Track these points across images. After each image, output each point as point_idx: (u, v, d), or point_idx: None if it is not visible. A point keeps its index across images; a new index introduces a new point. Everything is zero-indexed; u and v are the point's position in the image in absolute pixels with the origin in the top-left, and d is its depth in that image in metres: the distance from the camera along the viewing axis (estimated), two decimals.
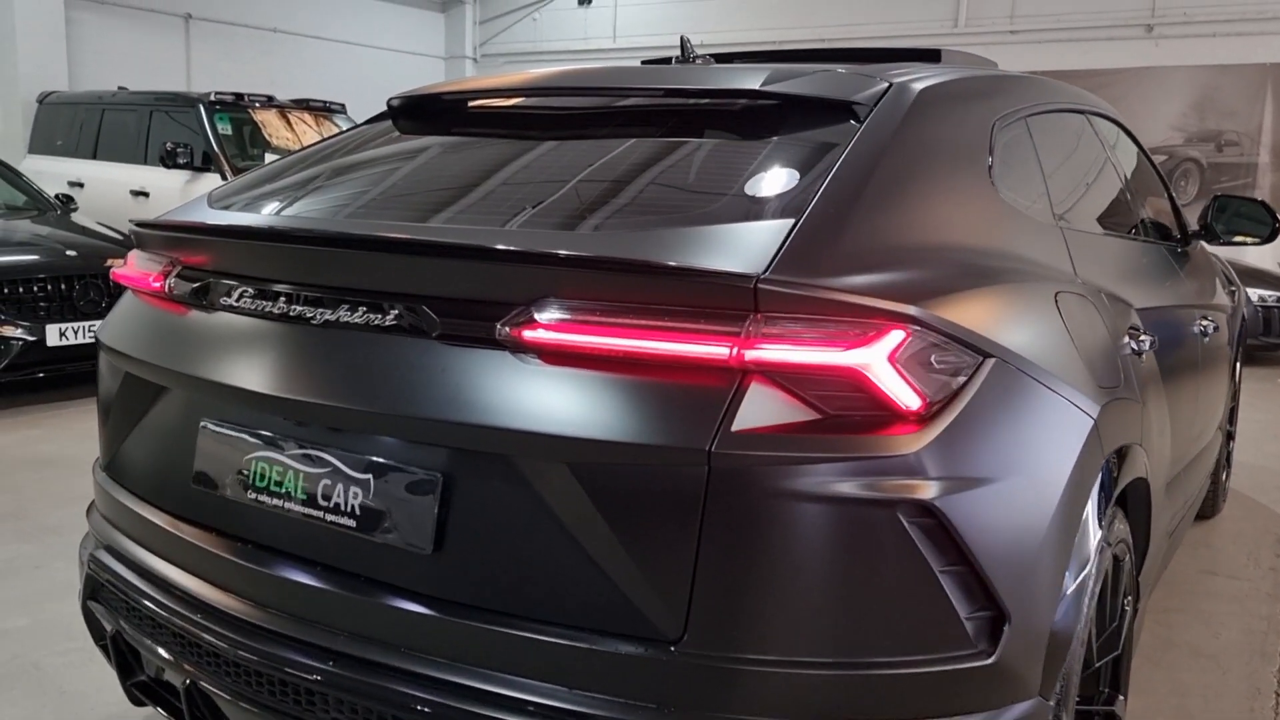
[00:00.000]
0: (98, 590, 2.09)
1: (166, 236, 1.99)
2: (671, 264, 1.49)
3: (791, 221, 1.59)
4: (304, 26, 14.10)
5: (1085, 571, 1.80)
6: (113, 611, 2.04)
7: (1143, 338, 2.32)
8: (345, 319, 1.67)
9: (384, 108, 2.43)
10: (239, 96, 9.15)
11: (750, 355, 1.45)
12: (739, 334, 1.45)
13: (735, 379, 1.46)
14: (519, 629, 1.54)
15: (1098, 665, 2.08)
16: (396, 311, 1.63)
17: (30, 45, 11.09)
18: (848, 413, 1.46)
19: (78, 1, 11.65)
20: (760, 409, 1.45)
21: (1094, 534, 1.85)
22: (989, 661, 1.53)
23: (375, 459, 1.67)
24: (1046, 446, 1.70)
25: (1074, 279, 2.11)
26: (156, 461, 2.01)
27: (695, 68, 2.37)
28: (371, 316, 1.65)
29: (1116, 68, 11.85)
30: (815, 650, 1.45)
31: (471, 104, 2.37)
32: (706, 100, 2.08)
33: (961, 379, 1.56)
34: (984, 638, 1.55)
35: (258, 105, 9.23)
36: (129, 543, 2.03)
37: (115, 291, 5.91)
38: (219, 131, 8.80)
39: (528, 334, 1.53)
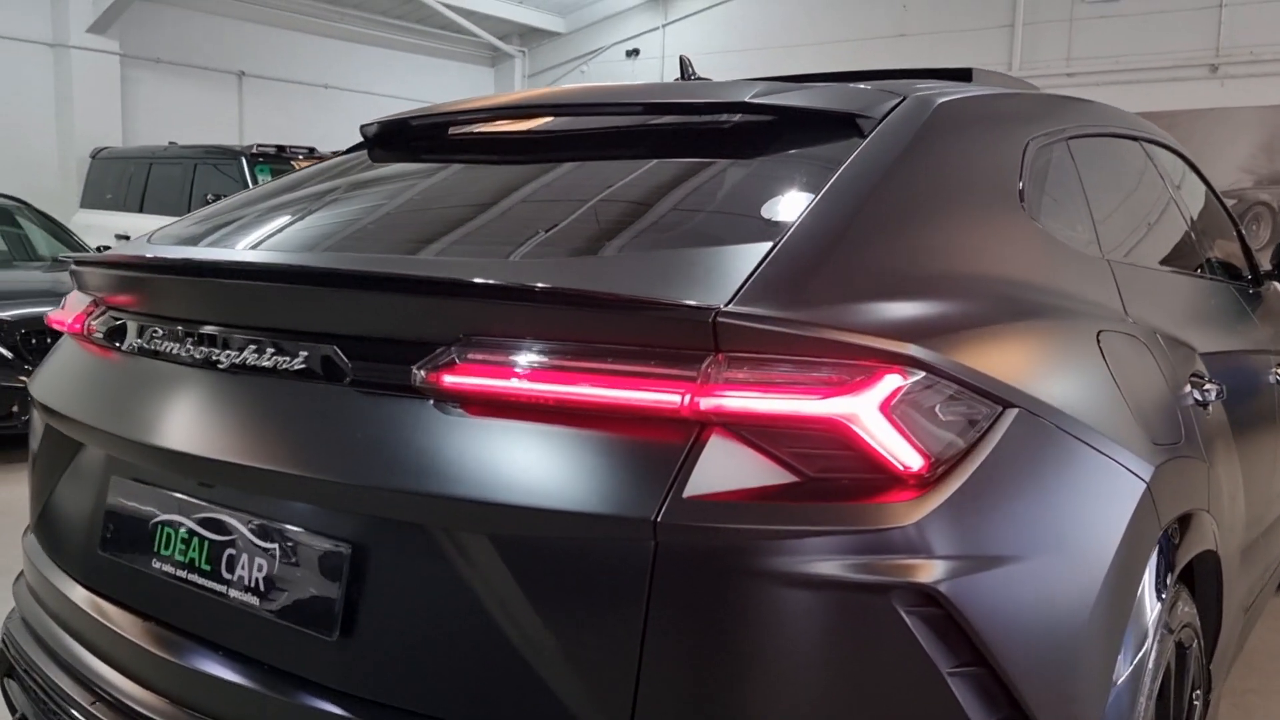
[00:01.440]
0: (11, 669, 1.86)
1: (89, 273, 1.79)
2: (611, 292, 1.24)
3: (768, 245, 1.33)
4: (355, 83, 14.25)
5: (1140, 663, 1.48)
6: (23, 692, 1.81)
7: (1208, 386, 2.00)
8: (252, 362, 1.44)
9: None
10: (281, 149, 9.16)
11: (707, 404, 1.18)
12: (694, 378, 1.19)
13: (690, 433, 1.19)
14: None
15: None
16: (305, 354, 1.40)
17: (86, 103, 11.30)
18: (830, 475, 1.19)
19: (133, 60, 11.87)
20: (719, 470, 1.18)
21: (1151, 619, 1.54)
22: None
23: (280, 526, 1.42)
24: (1086, 516, 1.40)
25: (1123, 318, 1.80)
26: (71, 525, 1.79)
27: (686, 84, 2.13)
28: (279, 359, 1.42)
29: (1179, 109, 11.41)
30: None
31: (442, 129, 2.15)
32: (690, 117, 1.84)
33: (975, 434, 1.27)
34: None
35: (300, 157, 9.23)
36: (43, 615, 1.80)
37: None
38: (259, 182, 8.80)
39: (447, 379, 1.28)
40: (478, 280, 1.27)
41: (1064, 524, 1.35)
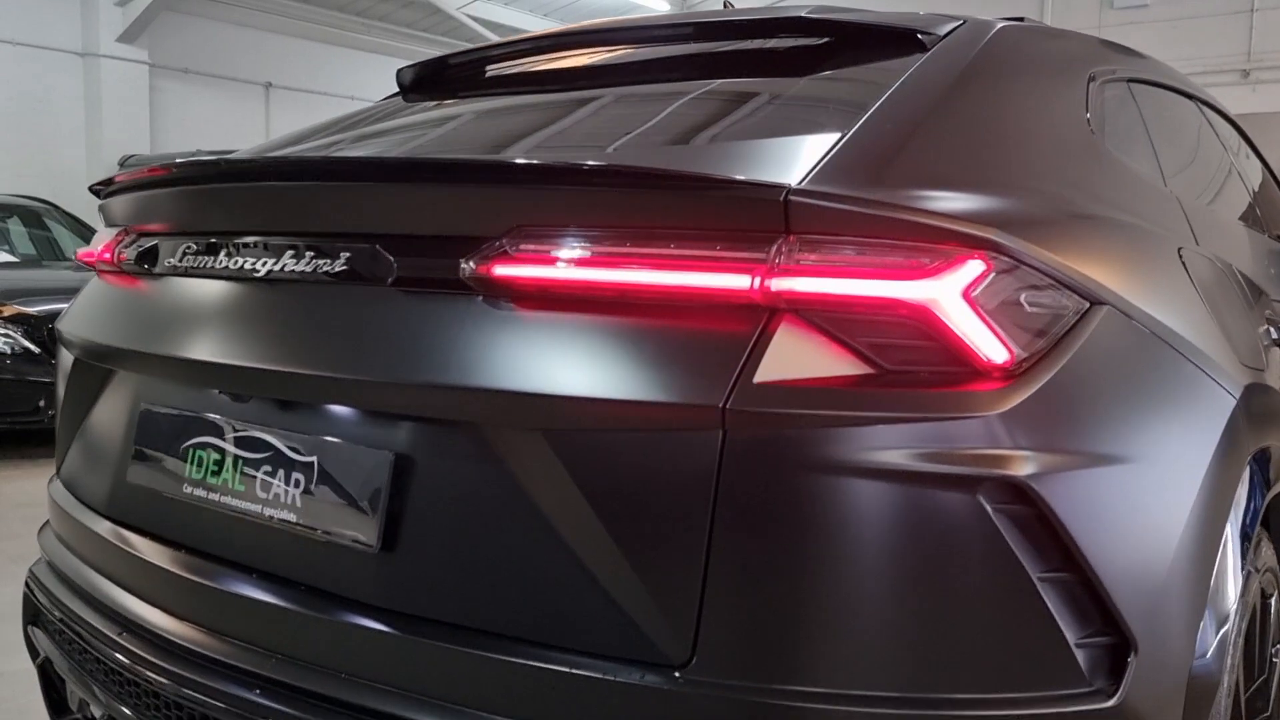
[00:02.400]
0: (37, 614, 1.80)
1: (118, 202, 1.73)
2: (675, 170, 1.16)
3: (840, 134, 1.26)
4: (380, 94, 14.30)
5: (1230, 600, 1.38)
6: (46, 635, 1.74)
7: None
8: (290, 268, 1.37)
9: None
10: None
11: (779, 287, 1.10)
12: (764, 261, 1.11)
13: (760, 319, 1.11)
14: (481, 649, 1.19)
15: None
16: (347, 255, 1.33)
17: (115, 112, 11.39)
18: (908, 368, 1.10)
19: (162, 70, 11.96)
20: (791, 357, 1.09)
21: (1238, 552, 1.44)
22: (1110, 704, 1.13)
23: (319, 437, 1.35)
24: (1178, 425, 1.31)
25: (1198, 246, 1.72)
26: (98, 459, 1.72)
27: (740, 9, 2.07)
28: (320, 263, 1.35)
29: None
30: (865, 681, 1.07)
31: (488, 65, 2.09)
32: (748, 38, 1.77)
33: (1063, 328, 1.19)
34: (1102, 672, 1.15)
35: None
36: (66, 554, 1.74)
37: None
38: None
39: (498, 270, 1.21)
40: (531, 163, 1.20)
41: (1156, 430, 1.26)
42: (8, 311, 6.10)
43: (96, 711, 1.53)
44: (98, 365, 1.72)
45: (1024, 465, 1.09)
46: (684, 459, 1.10)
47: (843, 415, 1.07)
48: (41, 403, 5.89)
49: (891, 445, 1.07)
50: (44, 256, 7.79)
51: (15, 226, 8.06)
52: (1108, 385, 1.21)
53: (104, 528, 1.63)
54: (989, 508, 1.08)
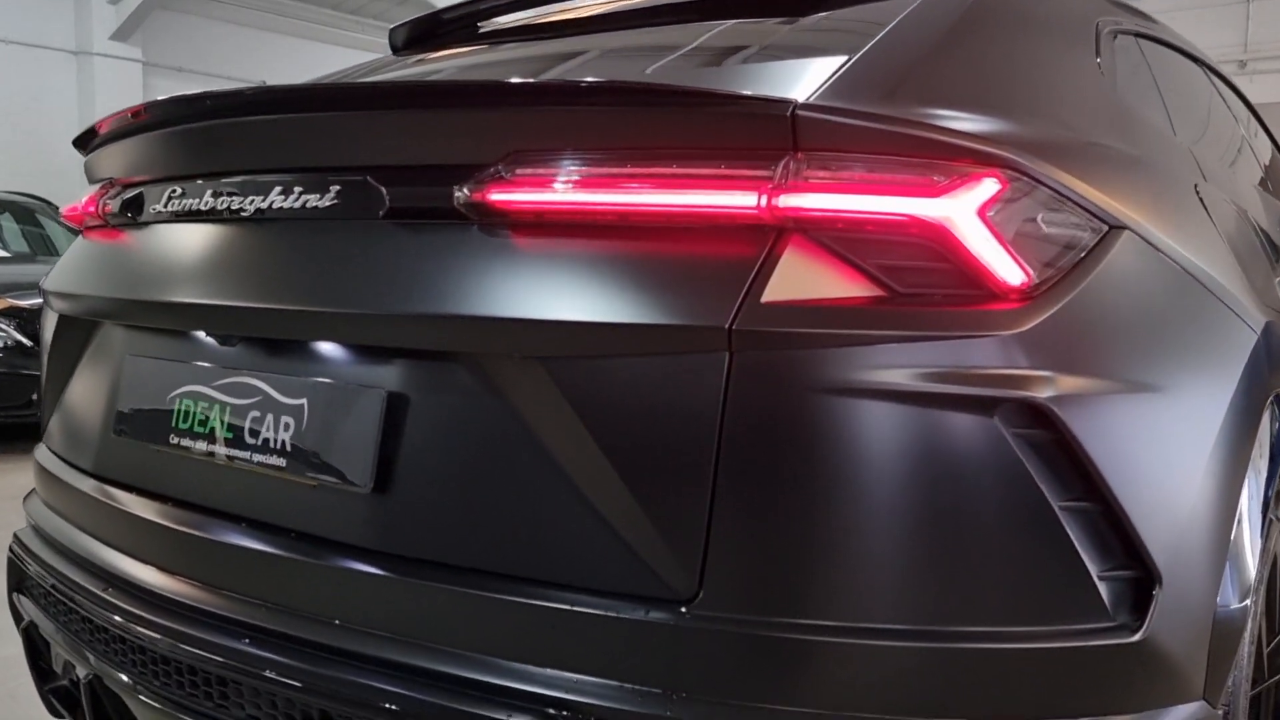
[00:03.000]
0: (21, 579, 1.74)
1: (106, 152, 1.68)
2: (677, 86, 1.12)
3: (848, 55, 1.21)
4: None
5: (1253, 545, 1.34)
6: (31, 599, 1.69)
7: None
8: (278, 205, 1.32)
9: None
10: None
11: (786, 205, 1.05)
12: (771, 179, 1.06)
13: (767, 240, 1.06)
14: (480, 589, 1.14)
15: (1268, 683, 1.58)
16: (337, 189, 1.28)
17: (109, 110, 11.28)
18: (921, 290, 1.06)
19: (155, 68, 11.91)
20: (799, 278, 1.05)
21: (1260, 498, 1.39)
22: (1134, 639, 1.08)
23: (309, 379, 1.30)
24: (1201, 356, 1.26)
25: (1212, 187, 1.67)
26: (83, 418, 1.67)
27: None
28: (308, 198, 1.30)
29: None
30: (878, 613, 1.02)
31: (480, 19, 2.04)
32: None
33: (1081, 251, 1.14)
34: (1125, 607, 1.10)
35: None
36: (51, 516, 1.69)
37: None
38: None
39: (494, 196, 1.16)
40: (527, 82, 1.15)
41: (1179, 359, 1.22)
42: (1, 305, 6.07)
43: (81, 672, 1.48)
44: (83, 319, 1.67)
45: (1043, 387, 1.04)
46: (689, 384, 1.05)
47: (854, 334, 1.02)
48: (35, 396, 5.84)
49: (905, 365, 1.02)
50: (37, 252, 7.76)
51: (9, 223, 8.05)
52: (1129, 310, 1.17)
53: (88, 485, 1.59)
54: (1007, 432, 1.04)
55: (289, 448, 1.29)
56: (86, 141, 1.74)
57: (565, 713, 1.06)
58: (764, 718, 1.02)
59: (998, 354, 1.03)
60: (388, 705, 1.14)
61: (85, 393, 1.68)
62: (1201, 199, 1.49)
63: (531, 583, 1.12)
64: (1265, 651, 1.55)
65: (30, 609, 1.67)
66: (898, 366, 1.02)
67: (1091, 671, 1.07)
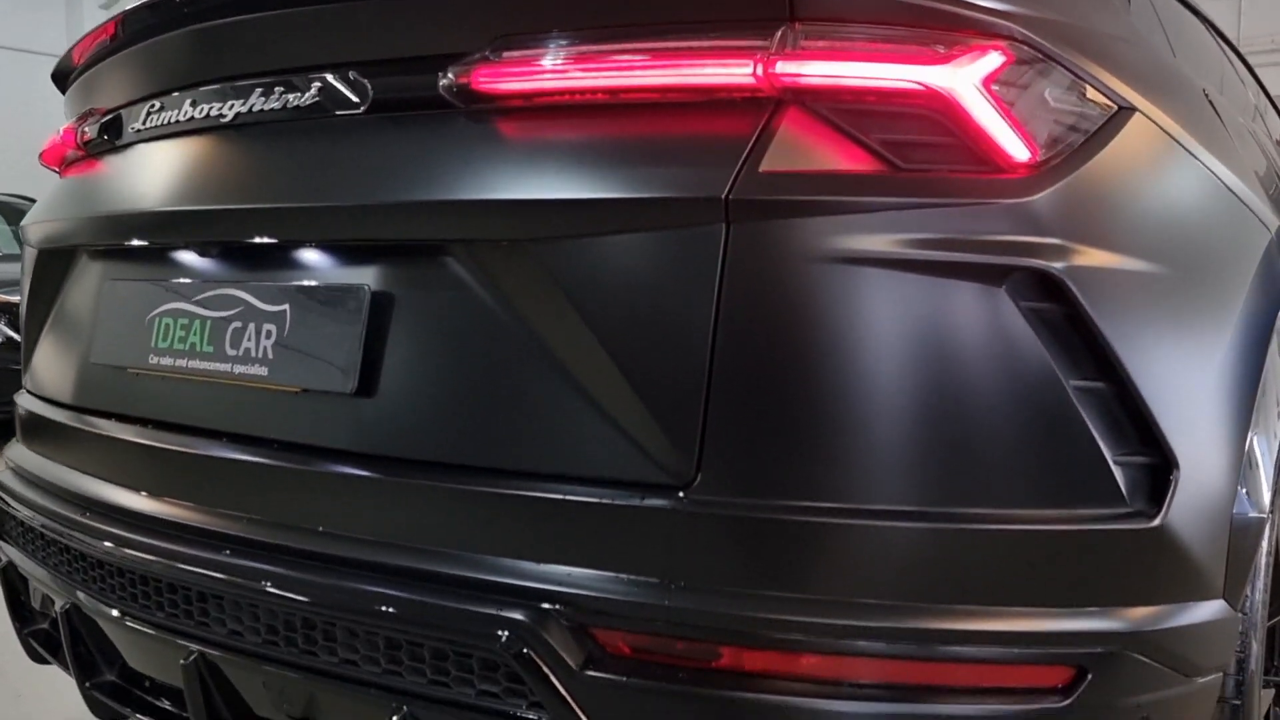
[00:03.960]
0: (1, 523, 1.69)
1: (83, 82, 1.64)
2: None
3: None
4: None
5: (1271, 449, 1.29)
6: (8, 539, 1.64)
7: None
8: (259, 108, 1.28)
9: None
10: None
11: (784, 72, 1.01)
12: (767, 49, 1.02)
13: (764, 112, 1.02)
14: (472, 484, 1.09)
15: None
16: (319, 85, 1.23)
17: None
18: (924, 166, 1.01)
19: None
20: (797, 150, 1.01)
21: (1275, 420, 1.35)
22: (1152, 525, 1.04)
23: (290, 284, 1.26)
24: (1215, 241, 1.22)
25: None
26: (62, 350, 1.63)
27: None
28: (289, 98, 1.25)
29: None
30: (882, 495, 0.98)
31: None
32: None
33: (1090, 129, 1.10)
34: (1142, 493, 1.06)
35: None
36: (29, 454, 1.64)
37: None
38: None
39: (482, 80, 1.12)
40: None
41: (1193, 243, 1.18)
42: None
43: (59, 603, 1.43)
44: (62, 251, 1.63)
45: (1054, 256, 1.00)
46: (685, 260, 1.01)
47: (855, 201, 0.98)
48: None
49: (910, 232, 0.98)
50: None
51: (0, 224, 8.03)
52: (1141, 190, 1.13)
53: (67, 417, 1.54)
54: (1018, 304, 0.99)
55: (271, 356, 1.25)
56: (65, 76, 1.71)
57: (561, 606, 1.02)
58: (765, 605, 0.97)
59: (1005, 221, 0.99)
60: (376, 608, 1.09)
61: (64, 328, 1.64)
62: (1211, 101, 1.45)
63: (524, 476, 1.08)
64: None
65: (9, 551, 1.62)
66: (902, 234, 0.98)
67: (1108, 558, 1.03)
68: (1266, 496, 1.26)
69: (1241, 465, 1.19)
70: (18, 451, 1.72)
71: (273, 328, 1.25)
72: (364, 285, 1.18)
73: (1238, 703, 1.22)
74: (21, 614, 1.65)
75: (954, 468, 0.99)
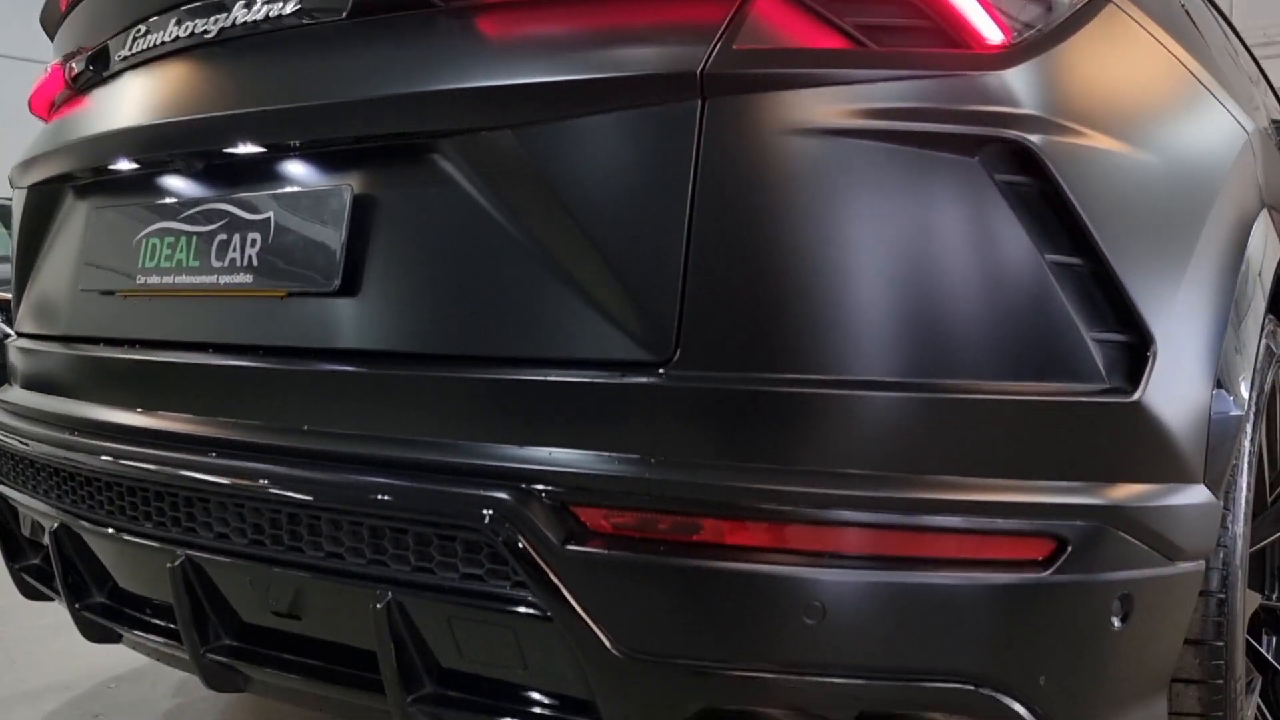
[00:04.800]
0: None
1: (70, 23, 1.66)
2: None
3: None
4: None
5: (1247, 350, 1.30)
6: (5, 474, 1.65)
7: None
8: (242, 19, 1.29)
9: None
10: None
11: None
12: None
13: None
14: (451, 373, 1.10)
15: (1267, 542, 1.54)
16: None
17: None
18: (897, 49, 1.02)
19: None
20: (771, 29, 1.02)
21: (1258, 309, 1.35)
22: (1129, 400, 1.05)
23: (273, 192, 1.27)
24: (1193, 130, 1.23)
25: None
26: (49, 286, 1.64)
27: None
28: (272, 8, 1.27)
29: None
30: (859, 366, 0.98)
31: None
32: None
33: (1064, 14, 1.11)
34: (1120, 372, 1.06)
35: None
36: (18, 391, 1.65)
37: None
38: None
39: None
40: None
41: (1169, 132, 1.19)
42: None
43: (49, 525, 1.44)
44: (50, 188, 1.64)
45: (1028, 128, 1.01)
46: (662, 137, 1.01)
47: (829, 74, 0.99)
48: None
49: (884, 102, 0.99)
50: None
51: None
52: (1118, 75, 1.14)
53: (57, 346, 1.55)
54: (993, 177, 1.00)
55: (256, 264, 1.26)
56: (53, 21, 1.72)
57: (543, 486, 1.02)
58: (745, 476, 0.98)
59: (978, 91, 1.00)
60: (362, 497, 1.09)
61: (52, 264, 1.65)
62: (1189, 13, 1.45)
63: (506, 362, 1.08)
64: (1268, 478, 1.52)
65: (2, 488, 1.63)
66: (875, 105, 0.99)
67: (1087, 433, 1.03)
68: (1246, 393, 1.27)
69: (1220, 355, 1.20)
70: (7, 392, 1.73)
71: (257, 236, 1.26)
72: (346, 186, 1.19)
73: (1223, 596, 1.22)
74: (13, 549, 1.65)
75: (930, 339, 0.99)
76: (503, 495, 1.02)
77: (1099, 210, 1.04)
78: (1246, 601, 1.33)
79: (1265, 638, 1.68)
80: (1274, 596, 1.76)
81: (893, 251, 0.99)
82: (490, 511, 1.01)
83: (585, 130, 1.05)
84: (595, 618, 0.99)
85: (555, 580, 1.00)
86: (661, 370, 1.01)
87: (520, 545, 1.00)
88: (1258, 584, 1.55)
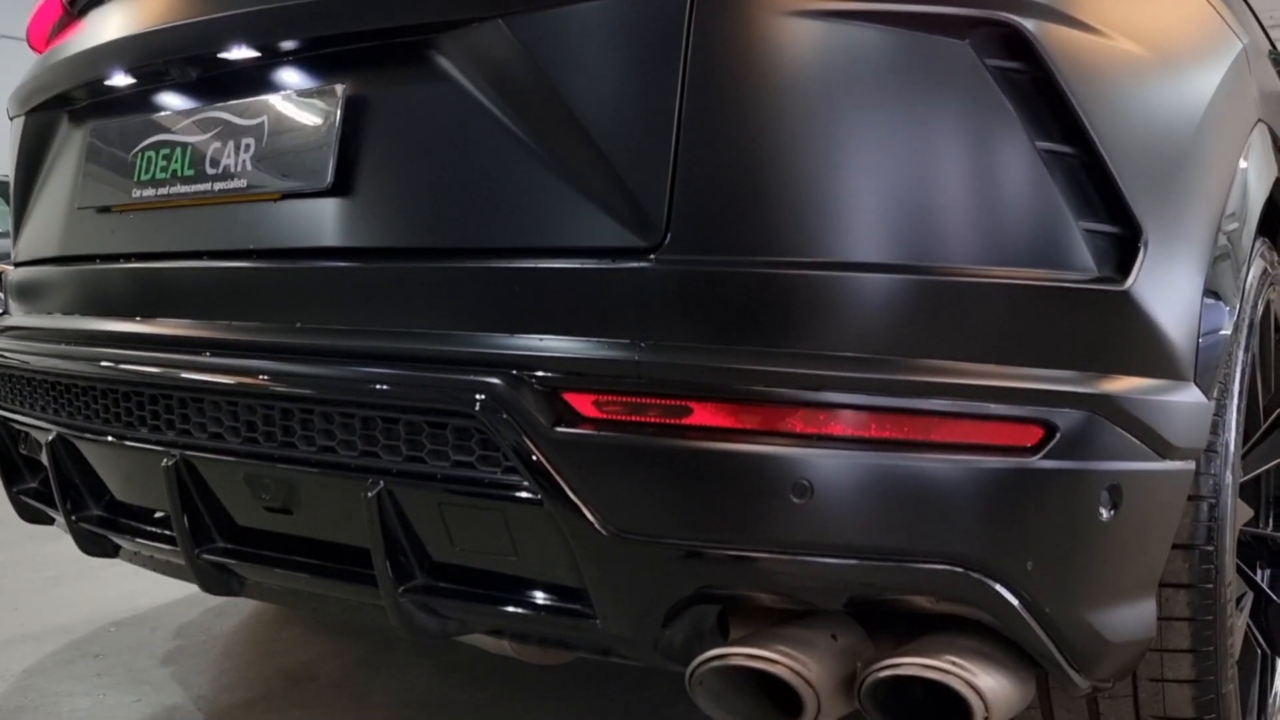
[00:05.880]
0: None
1: None
2: None
3: None
4: None
5: (1239, 254, 1.30)
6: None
7: None
8: None
9: None
10: None
11: None
12: None
13: None
14: (443, 264, 1.11)
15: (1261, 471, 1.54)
16: None
17: None
18: None
19: None
20: None
21: (1253, 216, 1.34)
22: (1119, 289, 1.05)
23: (265, 97, 1.27)
24: (1189, 28, 1.23)
25: None
26: (47, 210, 1.64)
27: None
28: None
29: None
30: (849, 249, 0.98)
31: None
32: None
33: None
34: (1110, 263, 1.06)
35: None
36: (16, 315, 1.65)
37: None
38: None
39: None
40: None
41: (1164, 30, 1.19)
42: (3, 268, 6.11)
43: (45, 438, 1.44)
44: (46, 111, 1.64)
45: (1021, 10, 1.01)
46: (653, 19, 1.02)
47: None
48: None
49: None
50: None
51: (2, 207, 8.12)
52: None
53: (54, 267, 1.56)
54: (984, 60, 1.00)
55: (249, 167, 1.26)
56: None
57: (533, 371, 1.02)
58: (733, 358, 0.98)
59: None
60: (354, 388, 1.10)
61: (49, 190, 1.65)
62: None
63: (496, 253, 1.09)
64: (1261, 405, 1.52)
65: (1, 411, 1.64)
66: None
67: (1076, 321, 1.04)
68: (1236, 301, 1.27)
69: (1210, 260, 1.20)
70: (6, 319, 1.73)
71: (250, 141, 1.26)
72: (337, 86, 1.19)
73: (1213, 501, 1.22)
74: (12, 474, 1.66)
75: (919, 222, 1.00)
76: (494, 381, 1.02)
77: (1092, 100, 1.04)
78: (1238, 512, 1.33)
79: (1260, 570, 1.68)
80: (1270, 526, 1.76)
81: (883, 134, 0.99)
82: (482, 397, 1.02)
83: (576, 16, 1.05)
84: (584, 499, 1.00)
85: (545, 463, 1.00)
86: (652, 256, 1.01)
87: (511, 429, 1.01)
88: (1252, 504, 1.55)
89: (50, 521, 1.64)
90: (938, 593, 1.02)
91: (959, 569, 0.99)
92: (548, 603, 1.11)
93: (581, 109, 1.04)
